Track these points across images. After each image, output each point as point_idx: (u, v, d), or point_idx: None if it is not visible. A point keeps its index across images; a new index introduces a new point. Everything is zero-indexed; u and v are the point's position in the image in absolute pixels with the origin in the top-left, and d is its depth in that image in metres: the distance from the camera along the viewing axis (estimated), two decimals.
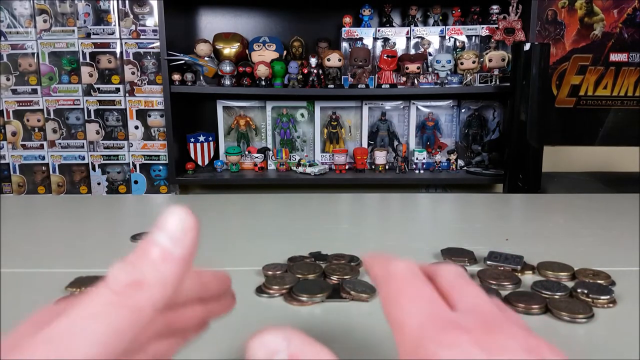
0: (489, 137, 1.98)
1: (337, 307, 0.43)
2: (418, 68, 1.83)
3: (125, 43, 1.86)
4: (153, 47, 1.85)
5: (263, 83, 1.82)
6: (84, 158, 1.94)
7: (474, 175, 1.87)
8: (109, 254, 0.59)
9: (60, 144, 1.93)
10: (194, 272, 0.26)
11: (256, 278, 0.49)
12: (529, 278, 0.49)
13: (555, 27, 2.00)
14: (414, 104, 1.97)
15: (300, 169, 1.88)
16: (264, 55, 1.86)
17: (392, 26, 1.94)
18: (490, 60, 1.82)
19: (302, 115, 2.00)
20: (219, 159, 1.96)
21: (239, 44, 1.89)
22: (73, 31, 1.85)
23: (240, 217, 0.78)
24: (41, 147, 1.93)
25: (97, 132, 1.91)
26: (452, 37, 1.92)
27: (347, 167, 1.93)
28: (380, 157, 1.89)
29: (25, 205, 0.86)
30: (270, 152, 1.97)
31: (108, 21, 1.85)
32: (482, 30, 1.89)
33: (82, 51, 1.86)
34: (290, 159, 1.94)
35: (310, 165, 1.87)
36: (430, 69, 1.90)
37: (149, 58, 1.86)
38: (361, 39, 1.92)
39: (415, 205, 0.88)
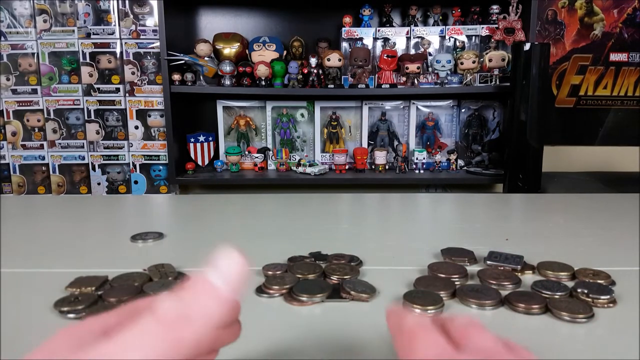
0: (489, 137, 1.98)
1: (337, 307, 0.43)
2: (418, 68, 1.83)
3: (125, 43, 1.86)
4: (153, 47, 1.85)
5: (263, 83, 1.82)
6: (84, 158, 1.94)
7: (474, 175, 1.87)
8: (109, 254, 0.59)
9: (60, 144, 1.93)
10: (209, 299, 0.26)
11: (256, 278, 0.49)
12: (529, 278, 0.49)
13: (555, 27, 2.00)
14: (414, 104, 1.97)
15: (300, 169, 1.88)
16: (264, 55, 1.86)
17: (392, 26, 1.94)
18: (490, 60, 1.82)
19: (302, 115, 2.00)
20: (219, 159, 1.96)
21: (239, 44, 1.89)
22: (73, 31, 1.85)
23: (240, 217, 0.78)
24: (41, 147, 1.93)
25: (97, 132, 1.91)
26: (452, 37, 1.92)
27: (347, 167, 1.93)
28: (380, 157, 1.89)
29: (25, 205, 0.86)
30: (270, 152, 1.97)
31: (108, 21, 1.85)
32: (482, 30, 1.89)
33: (82, 51, 1.86)
34: (290, 159, 1.94)
35: (310, 165, 1.87)
36: (430, 69, 1.90)
37: (149, 58, 1.86)
38: (361, 39, 1.92)
39: (415, 205, 0.88)
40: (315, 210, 0.82)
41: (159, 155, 1.92)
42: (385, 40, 1.92)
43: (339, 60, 1.81)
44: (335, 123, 1.96)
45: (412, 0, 1.92)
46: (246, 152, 1.97)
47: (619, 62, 2.02)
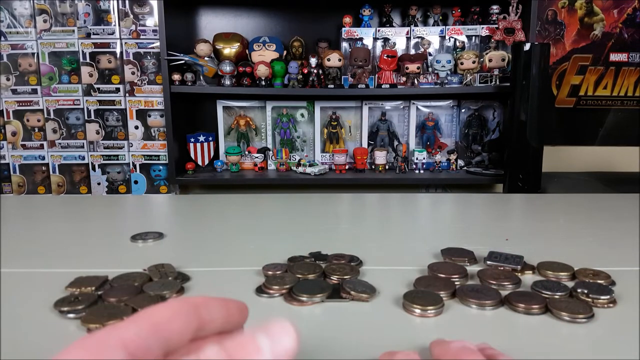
0: (489, 137, 1.98)
1: (337, 307, 0.43)
2: (418, 68, 1.83)
3: (125, 43, 1.86)
4: (153, 47, 1.85)
5: (263, 83, 1.82)
6: (84, 158, 1.94)
7: (474, 175, 1.87)
8: (109, 254, 0.59)
9: (60, 144, 1.93)
10: (222, 300, 0.27)
11: (256, 278, 0.49)
12: (529, 278, 0.49)
13: (555, 27, 2.00)
14: (414, 104, 1.97)
15: (300, 169, 1.88)
16: (264, 55, 1.86)
17: (392, 26, 1.94)
18: (490, 60, 1.82)
19: (302, 115, 2.00)
20: (219, 159, 1.96)
21: (239, 44, 1.89)
22: (73, 31, 1.85)
23: (240, 217, 0.78)
24: (41, 147, 1.93)
25: (97, 132, 1.91)
26: (452, 37, 1.92)
27: (347, 167, 1.93)
28: (380, 157, 1.89)
29: (25, 205, 0.86)
30: (270, 152, 1.98)
31: (108, 21, 1.85)
32: (482, 30, 1.89)
33: (82, 51, 1.86)
34: (290, 159, 1.94)
35: (310, 165, 1.87)
36: (430, 69, 1.90)
37: (149, 58, 1.86)
38: (361, 39, 1.92)
39: (415, 205, 0.88)
40: (315, 210, 0.82)
41: (159, 155, 1.92)
42: (385, 40, 1.92)
43: (339, 60, 1.81)
44: (335, 123, 1.96)
45: (412, 0, 1.92)
46: (246, 152, 1.97)
47: (619, 62, 2.02)
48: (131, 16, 1.84)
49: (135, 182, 1.94)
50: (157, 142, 1.92)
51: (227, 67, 1.79)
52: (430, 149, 1.95)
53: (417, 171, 1.91)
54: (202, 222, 0.75)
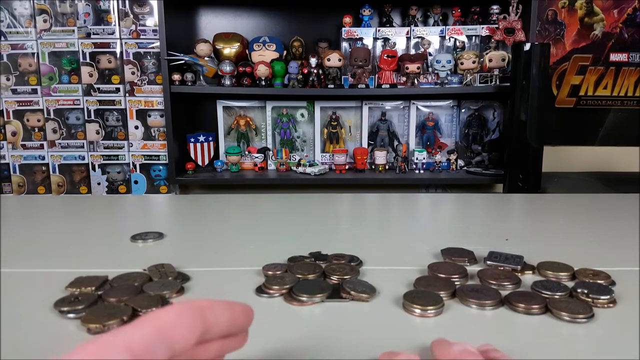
0: (489, 137, 1.98)
1: (337, 307, 0.43)
2: (418, 68, 1.83)
3: (125, 43, 1.86)
4: (153, 47, 1.85)
5: (263, 83, 1.82)
6: (84, 158, 1.94)
7: (474, 175, 1.87)
8: (109, 254, 0.59)
9: (60, 144, 1.92)
10: (227, 304, 0.27)
11: (256, 278, 0.50)
12: (529, 278, 0.49)
13: (555, 27, 2.00)
14: (414, 104, 1.97)
15: (300, 169, 1.88)
16: (264, 55, 1.86)
17: (392, 26, 1.94)
18: (490, 60, 1.82)
19: (302, 115, 2.00)
20: (219, 159, 1.96)
21: (239, 44, 1.89)
22: (73, 31, 1.85)
23: (240, 217, 0.78)
24: (41, 147, 1.93)
25: (97, 132, 1.91)
26: (452, 37, 1.92)
27: (347, 167, 1.93)
28: (380, 157, 1.89)
29: (25, 205, 0.86)
30: (270, 152, 1.97)
31: (108, 21, 1.85)
32: (482, 30, 1.89)
33: (82, 51, 1.86)
34: (290, 159, 1.94)
35: (310, 165, 1.87)
36: (430, 69, 1.90)
37: (149, 58, 1.86)
38: (361, 39, 1.92)
39: (415, 205, 0.88)
40: (315, 210, 0.82)
41: (159, 155, 1.92)
42: (385, 40, 1.92)
43: (339, 60, 1.81)
44: (335, 123, 1.96)
45: (412, 0, 1.92)
46: (246, 152, 1.97)
47: (619, 62, 2.02)
48: (131, 16, 1.84)
49: (135, 182, 1.94)
50: (157, 142, 1.91)
51: (227, 67, 1.79)
52: (430, 149, 1.95)
53: (417, 171, 1.91)
54: (202, 222, 0.75)
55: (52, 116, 1.90)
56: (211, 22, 2.01)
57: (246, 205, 0.84)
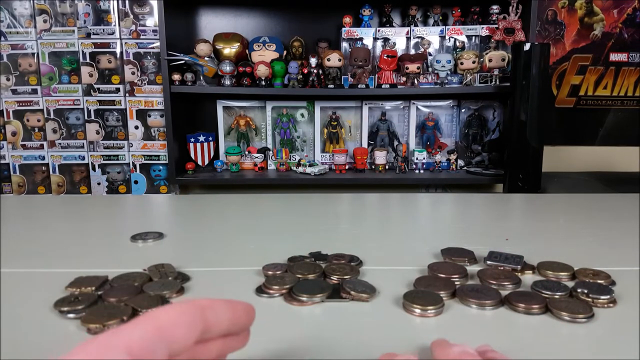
0: (489, 137, 1.98)
1: (337, 307, 0.43)
2: (418, 68, 1.83)
3: (125, 43, 1.86)
4: (153, 47, 1.85)
5: (263, 83, 1.82)
6: (84, 158, 1.93)
7: (474, 175, 1.87)
8: (109, 254, 0.59)
9: (60, 144, 1.92)
10: (228, 302, 0.27)
11: (256, 278, 0.50)
12: (529, 278, 0.49)
13: (555, 27, 2.00)
14: (414, 104, 1.97)
15: (300, 169, 1.88)
16: (264, 55, 1.86)
17: (392, 26, 1.94)
18: (490, 60, 1.82)
19: (302, 115, 2.00)
20: (219, 159, 1.96)
21: (239, 44, 1.89)
22: (73, 31, 1.85)
23: (240, 217, 0.78)
24: (41, 147, 1.93)
25: (97, 132, 1.91)
26: (452, 37, 1.92)
27: (347, 167, 1.93)
28: (380, 157, 1.89)
29: (25, 205, 0.86)
30: (270, 152, 1.97)
31: (108, 21, 1.85)
32: (482, 30, 1.89)
33: (82, 51, 1.86)
34: (290, 159, 1.94)
35: (310, 165, 1.87)
36: (430, 69, 1.90)
37: (149, 58, 1.86)
38: (361, 39, 1.92)
39: (415, 205, 0.88)
40: (315, 210, 0.82)
41: (159, 155, 1.92)
42: (385, 40, 1.92)
43: (339, 60, 1.81)
44: (335, 123, 1.96)
45: (412, 0, 1.92)
46: (246, 152, 1.97)
47: (619, 62, 2.02)
48: (131, 16, 1.84)
49: (135, 182, 1.94)
50: (157, 142, 1.91)
51: (227, 67, 1.79)
52: (430, 149, 1.95)
53: (417, 171, 1.91)
54: (202, 222, 0.75)
55: (52, 116, 1.90)
56: (211, 22, 2.01)
57: (246, 205, 0.84)
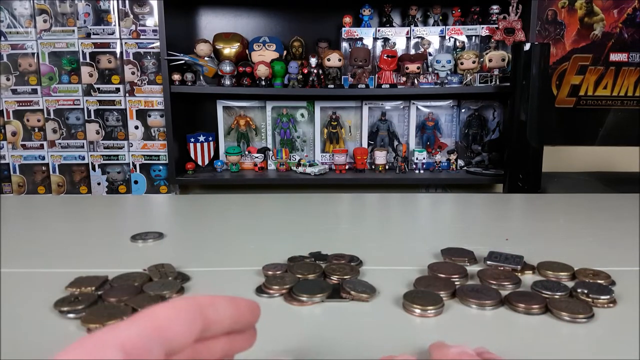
0: (489, 137, 1.98)
1: (337, 307, 0.43)
2: (418, 68, 1.83)
3: (125, 43, 1.86)
4: (153, 47, 1.85)
5: (263, 83, 1.82)
6: (84, 158, 1.93)
7: (474, 175, 1.87)
8: (109, 254, 0.59)
9: (60, 144, 1.92)
10: (231, 299, 0.26)
11: (256, 278, 0.50)
12: (529, 278, 0.49)
13: (555, 27, 2.00)
14: (414, 104, 1.97)
15: (300, 169, 1.88)
16: (264, 55, 1.86)
17: (392, 26, 1.94)
18: (490, 60, 1.82)
19: (302, 115, 2.00)
20: (219, 159, 1.96)
21: (239, 44, 1.89)
22: (73, 31, 1.85)
23: (240, 217, 0.78)
24: (41, 147, 1.93)
25: (97, 132, 1.91)
26: (452, 37, 1.92)
27: (347, 167, 1.93)
28: (380, 157, 1.89)
29: (25, 205, 0.86)
30: (270, 152, 1.97)
31: (108, 21, 1.85)
32: (482, 30, 1.89)
33: (82, 51, 1.86)
34: (290, 159, 1.94)
35: (310, 165, 1.87)
36: (430, 69, 1.90)
37: (149, 58, 1.86)
38: (361, 39, 1.92)
39: (415, 205, 0.88)
40: (315, 210, 0.82)
41: (159, 155, 1.92)
42: (385, 40, 1.92)
43: (339, 60, 1.81)
44: (335, 123, 1.96)
45: (412, 0, 1.92)
46: (246, 152, 1.97)
47: (619, 62, 2.02)
48: (131, 16, 1.84)
49: (135, 182, 1.94)
50: (157, 142, 1.91)
51: (227, 67, 1.79)
52: (430, 149, 1.95)
53: (417, 171, 1.91)
54: (202, 222, 0.75)
55: (52, 116, 1.90)
56: (211, 22, 2.01)
57: (246, 205, 0.84)
